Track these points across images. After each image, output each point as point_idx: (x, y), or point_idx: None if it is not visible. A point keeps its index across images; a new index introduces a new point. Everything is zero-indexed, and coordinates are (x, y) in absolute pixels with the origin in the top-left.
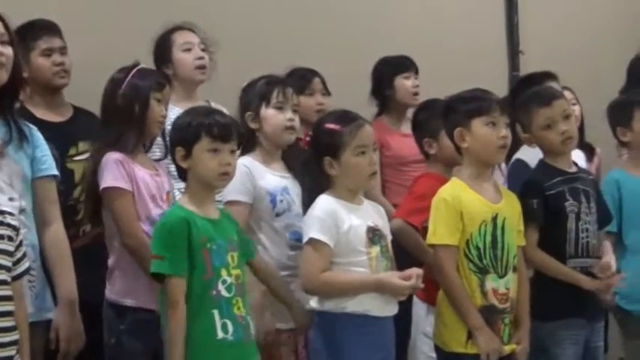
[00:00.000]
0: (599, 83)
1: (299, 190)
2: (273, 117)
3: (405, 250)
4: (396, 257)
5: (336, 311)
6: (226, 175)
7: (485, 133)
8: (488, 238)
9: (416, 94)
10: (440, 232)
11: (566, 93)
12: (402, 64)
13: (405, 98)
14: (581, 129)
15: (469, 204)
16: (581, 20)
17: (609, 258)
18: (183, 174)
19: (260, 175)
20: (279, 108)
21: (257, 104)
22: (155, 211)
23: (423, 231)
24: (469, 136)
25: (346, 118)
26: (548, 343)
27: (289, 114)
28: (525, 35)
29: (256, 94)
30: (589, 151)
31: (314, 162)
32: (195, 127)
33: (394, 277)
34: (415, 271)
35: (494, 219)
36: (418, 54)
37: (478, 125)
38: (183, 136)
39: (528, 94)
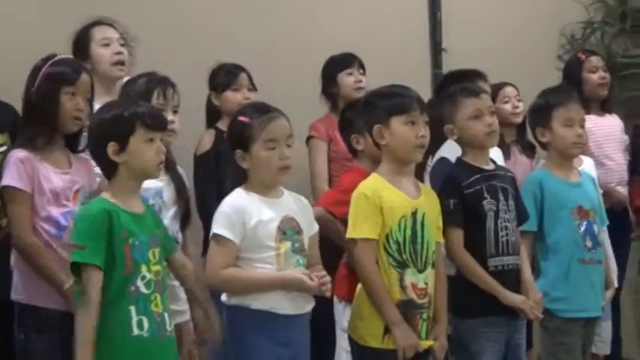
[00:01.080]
0: (521, 80)
1: (174, 192)
2: None
3: (327, 239)
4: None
5: (241, 306)
6: (162, 164)
7: (404, 131)
8: (408, 233)
9: (359, 89)
10: (359, 226)
11: (510, 89)
12: (344, 61)
13: (348, 94)
14: (523, 126)
15: (389, 199)
16: (503, 18)
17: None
18: (107, 170)
19: None
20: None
21: None
22: (57, 211)
23: (343, 224)
24: (388, 133)
25: (259, 110)
26: (469, 340)
27: (170, 115)
28: (448, 32)
29: (136, 92)
30: (530, 149)
31: (230, 155)
32: (129, 118)
33: (296, 273)
34: (323, 278)
35: (414, 214)
36: (341, 51)
37: (397, 123)
38: (116, 130)
39: (456, 87)
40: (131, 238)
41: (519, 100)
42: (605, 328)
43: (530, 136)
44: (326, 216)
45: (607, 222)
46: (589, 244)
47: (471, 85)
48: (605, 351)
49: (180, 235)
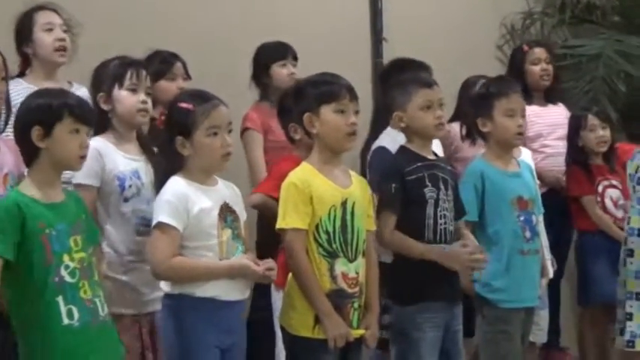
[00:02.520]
0: (461, 70)
1: (151, 173)
2: (127, 98)
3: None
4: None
5: (185, 295)
6: (84, 159)
7: (334, 119)
8: (338, 223)
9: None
10: (289, 216)
11: None
12: (277, 52)
13: (281, 85)
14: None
15: (319, 188)
16: (443, 8)
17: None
18: (28, 155)
19: (110, 158)
20: (133, 90)
21: (109, 85)
22: None
23: None
24: (318, 122)
25: (201, 97)
26: (408, 328)
27: (142, 96)
28: (389, 22)
29: (109, 74)
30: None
31: (167, 142)
32: (58, 106)
33: (242, 260)
34: (269, 264)
35: (344, 203)
36: (281, 39)
37: (327, 112)
38: (44, 116)
39: (410, 75)
40: (48, 228)
41: None
42: (543, 317)
43: None
44: (268, 201)
45: (542, 210)
46: (528, 234)
47: (423, 76)
48: (542, 339)
49: None
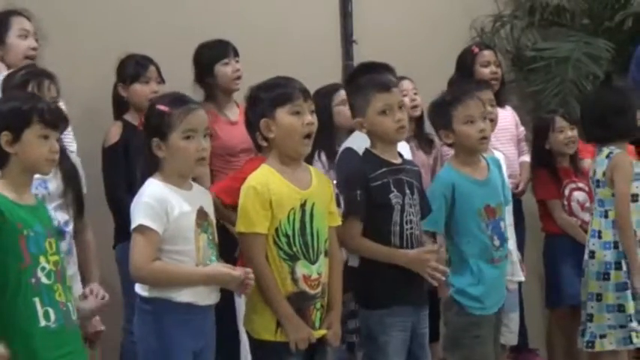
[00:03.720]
0: (432, 72)
1: (61, 183)
2: None
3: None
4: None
5: (163, 299)
6: (54, 163)
7: (290, 121)
8: (297, 225)
9: (237, 78)
10: (249, 220)
11: (407, 83)
12: (218, 51)
13: (227, 84)
14: (421, 119)
15: (278, 191)
16: (414, 10)
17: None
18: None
19: None
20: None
21: None
22: None
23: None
24: (274, 125)
25: (178, 100)
26: (376, 332)
27: None
28: (359, 24)
29: (13, 85)
30: (428, 143)
31: (145, 144)
32: (27, 112)
33: (222, 267)
34: (248, 271)
35: (303, 205)
36: (252, 41)
37: (282, 114)
38: (12, 121)
39: (367, 79)
40: (26, 229)
41: (416, 94)
42: (513, 319)
43: (428, 131)
44: (216, 202)
45: (511, 200)
46: (497, 242)
47: (382, 79)
48: (513, 342)
49: (70, 226)
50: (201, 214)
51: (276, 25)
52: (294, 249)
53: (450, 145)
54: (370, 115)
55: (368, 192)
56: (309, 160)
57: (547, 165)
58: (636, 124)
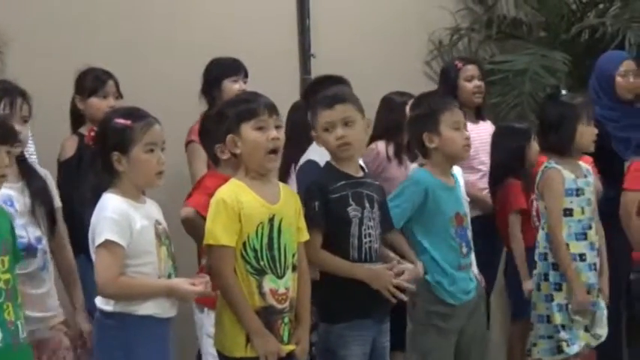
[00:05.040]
0: (390, 85)
1: (28, 199)
2: None
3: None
4: None
5: (126, 313)
6: (4, 178)
7: (254, 136)
8: (265, 240)
9: None
10: (217, 233)
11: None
12: (230, 67)
13: None
14: None
15: (247, 205)
16: (371, 23)
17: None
18: None
19: None
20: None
21: None
22: None
23: None
24: (240, 141)
25: (137, 114)
26: (335, 345)
27: (17, 126)
28: (317, 38)
29: None
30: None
31: (100, 158)
32: None
33: (184, 284)
34: (203, 279)
35: (271, 220)
36: (211, 56)
37: (247, 129)
38: None
39: (320, 94)
40: None
41: None
42: None
43: None
44: (196, 217)
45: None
46: (464, 250)
47: (330, 94)
48: None
49: (44, 242)
50: (158, 226)
51: (235, 39)
52: (262, 263)
53: (423, 153)
54: (317, 131)
55: (326, 204)
56: (285, 173)
57: (520, 176)
58: (570, 140)
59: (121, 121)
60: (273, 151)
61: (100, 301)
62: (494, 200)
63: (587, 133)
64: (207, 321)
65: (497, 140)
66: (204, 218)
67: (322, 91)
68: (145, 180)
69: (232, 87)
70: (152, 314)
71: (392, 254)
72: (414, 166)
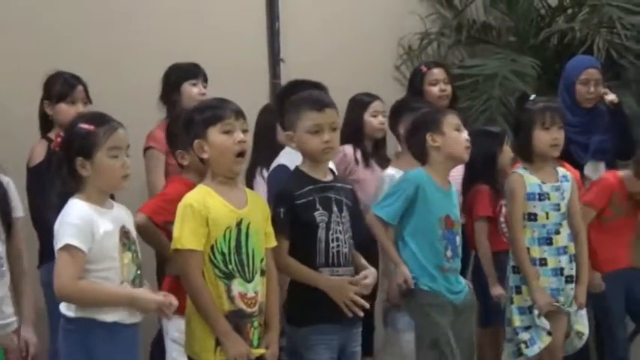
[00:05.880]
0: (360, 90)
1: None
2: None
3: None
4: None
5: (89, 319)
6: None
7: (221, 140)
8: (233, 244)
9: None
10: (185, 237)
11: (378, 103)
12: (189, 71)
13: (190, 105)
14: (384, 140)
15: (215, 210)
16: (341, 28)
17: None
18: None
19: None
20: None
21: None
22: None
23: (164, 232)
24: (207, 146)
25: (101, 119)
26: (301, 348)
27: None
28: (286, 43)
29: None
30: (386, 161)
31: (65, 163)
32: None
33: (147, 293)
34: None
35: (239, 224)
36: (179, 59)
37: (214, 133)
38: None
39: (303, 95)
40: None
41: (384, 117)
42: None
43: None
44: (149, 224)
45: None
46: (449, 254)
47: (317, 96)
48: None
49: (2, 248)
50: (124, 232)
51: (204, 43)
52: (230, 267)
53: (421, 157)
54: (299, 132)
55: (293, 210)
56: (251, 176)
57: (490, 182)
58: (527, 145)
59: (85, 126)
60: (240, 154)
61: (63, 307)
62: (463, 205)
63: (544, 139)
64: (171, 326)
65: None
66: (156, 224)
67: (300, 94)
68: (110, 184)
69: (192, 90)
70: (115, 321)
71: (363, 261)
72: (387, 172)
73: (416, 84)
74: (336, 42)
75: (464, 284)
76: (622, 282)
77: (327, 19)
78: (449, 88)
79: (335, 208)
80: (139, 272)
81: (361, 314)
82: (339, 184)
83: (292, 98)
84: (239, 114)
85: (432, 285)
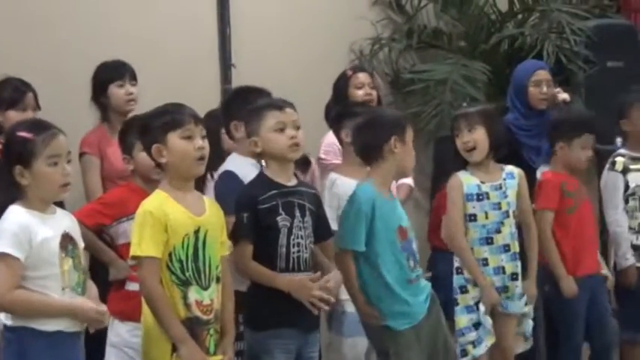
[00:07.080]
0: (311, 95)
1: None
2: None
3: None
4: None
5: (28, 328)
6: None
7: (182, 145)
8: (191, 251)
9: (130, 101)
10: (144, 244)
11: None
12: (115, 71)
13: (120, 106)
14: None
15: (173, 216)
16: (292, 34)
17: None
18: None
19: None
20: None
21: None
22: None
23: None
24: (166, 150)
25: (39, 126)
26: (258, 352)
27: None
28: (237, 48)
29: None
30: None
31: (5, 171)
32: None
33: (87, 303)
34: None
35: (197, 232)
36: (129, 62)
37: (174, 139)
38: None
39: (261, 102)
40: None
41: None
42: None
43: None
44: (81, 228)
45: None
46: (412, 263)
47: (276, 100)
48: None
49: None
50: (66, 238)
51: (154, 47)
52: (187, 274)
53: (370, 160)
54: (263, 133)
55: (256, 215)
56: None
57: None
58: (457, 151)
59: (23, 134)
60: (201, 159)
61: (2, 316)
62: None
63: (459, 143)
64: (110, 331)
65: (437, 148)
66: (88, 227)
67: (244, 102)
68: (49, 193)
69: (118, 92)
70: (55, 330)
71: (327, 262)
72: (331, 176)
73: (340, 87)
74: (287, 47)
75: (425, 283)
76: (587, 288)
77: (278, 24)
78: (374, 93)
79: (298, 213)
80: (82, 278)
81: (327, 308)
82: (303, 189)
83: (249, 108)
84: (198, 120)
85: (404, 308)
